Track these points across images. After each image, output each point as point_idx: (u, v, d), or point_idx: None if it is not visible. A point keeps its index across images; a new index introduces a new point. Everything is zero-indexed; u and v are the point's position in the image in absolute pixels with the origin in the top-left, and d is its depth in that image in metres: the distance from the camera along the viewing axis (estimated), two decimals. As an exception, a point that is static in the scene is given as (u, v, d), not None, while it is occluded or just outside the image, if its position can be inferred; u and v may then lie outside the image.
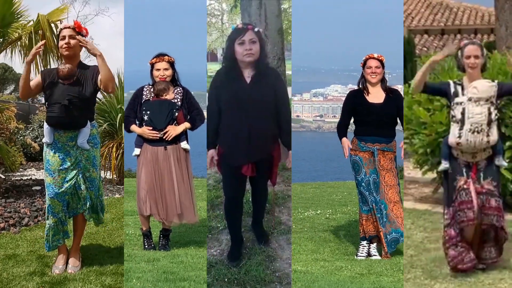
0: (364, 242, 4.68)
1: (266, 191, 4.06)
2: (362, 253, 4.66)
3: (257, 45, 3.56)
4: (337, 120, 4.80)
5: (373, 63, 4.63)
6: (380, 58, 4.64)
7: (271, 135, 3.74)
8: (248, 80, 3.62)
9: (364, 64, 4.69)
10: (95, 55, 4.01)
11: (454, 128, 3.91)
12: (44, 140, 4.20)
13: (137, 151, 4.78)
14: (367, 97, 4.63)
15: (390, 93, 4.64)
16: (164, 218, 4.73)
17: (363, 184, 4.59)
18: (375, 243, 4.68)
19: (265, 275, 3.66)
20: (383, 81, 4.66)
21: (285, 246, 4.00)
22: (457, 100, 3.91)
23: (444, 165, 4.02)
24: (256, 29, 3.58)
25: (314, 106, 75.17)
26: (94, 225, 4.54)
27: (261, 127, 3.62)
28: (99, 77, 4.08)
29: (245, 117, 3.58)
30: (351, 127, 4.81)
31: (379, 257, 4.59)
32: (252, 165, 3.70)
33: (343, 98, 4.93)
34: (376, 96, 4.62)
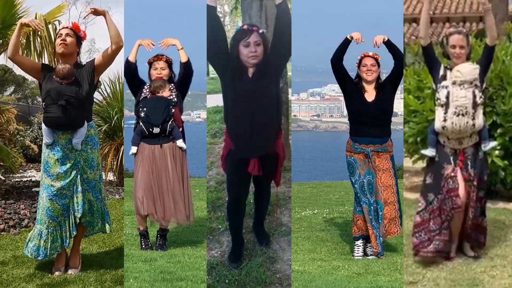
0: (359, 242, 4.70)
1: (269, 191, 4.08)
2: (358, 252, 4.68)
3: (261, 47, 3.61)
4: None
5: (368, 61, 4.62)
6: (375, 56, 4.64)
7: (274, 129, 3.78)
8: (251, 77, 3.66)
9: (359, 63, 4.69)
10: (103, 14, 4.13)
11: (439, 112, 3.96)
12: (44, 140, 4.20)
13: (133, 149, 4.82)
14: (364, 95, 4.63)
15: (381, 90, 4.62)
16: (162, 217, 4.76)
17: (356, 185, 4.62)
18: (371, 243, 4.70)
19: (266, 276, 3.69)
20: (377, 80, 4.65)
21: (286, 247, 4.02)
22: (443, 83, 3.97)
23: (431, 152, 4.06)
24: (261, 31, 3.63)
25: (311, 106, 74.88)
26: (89, 232, 4.41)
27: (264, 121, 3.65)
28: (102, 56, 4.20)
29: (250, 112, 3.61)
30: (347, 126, 4.81)
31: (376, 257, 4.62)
32: (258, 163, 3.71)
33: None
34: (369, 95, 4.63)
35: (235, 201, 3.89)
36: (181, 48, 4.91)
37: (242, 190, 3.85)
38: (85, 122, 4.18)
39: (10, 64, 8.03)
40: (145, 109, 4.78)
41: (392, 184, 4.59)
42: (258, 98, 3.62)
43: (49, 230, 4.16)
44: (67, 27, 4.24)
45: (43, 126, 4.16)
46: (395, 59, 4.57)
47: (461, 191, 3.93)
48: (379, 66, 4.67)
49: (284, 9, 3.56)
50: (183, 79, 4.95)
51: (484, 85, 3.99)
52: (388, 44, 4.54)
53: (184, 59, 4.90)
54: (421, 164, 6.24)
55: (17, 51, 4.16)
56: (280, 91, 3.85)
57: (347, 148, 4.69)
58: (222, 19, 5.72)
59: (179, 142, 4.81)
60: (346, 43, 4.56)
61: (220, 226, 4.31)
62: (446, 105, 3.92)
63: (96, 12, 4.15)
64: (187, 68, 4.92)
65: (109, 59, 4.22)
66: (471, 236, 4.10)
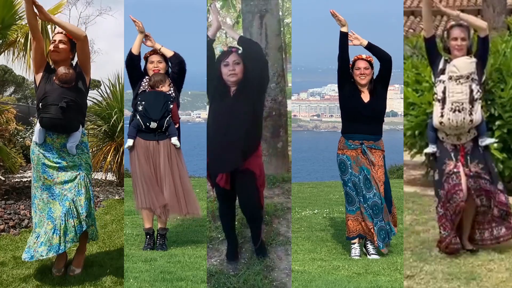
0: (354, 243, 4.68)
1: (251, 207, 3.96)
2: (355, 253, 4.66)
3: (240, 66, 3.81)
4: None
5: (361, 64, 4.61)
6: (368, 59, 4.62)
7: (246, 146, 3.80)
8: (232, 96, 3.82)
9: (352, 65, 4.66)
10: (49, 19, 4.00)
11: (437, 108, 3.98)
12: (34, 139, 4.13)
13: (130, 142, 4.82)
14: (360, 95, 4.62)
15: (375, 91, 4.61)
16: (162, 210, 4.78)
17: (349, 184, 4.60)
18: (371, 240, 4.66)
19: (263, 284, 3.74)
20: (371, 82, 4.63)
21: (283, 256, 4.05)
22: (441, 77, 3.97)
23: (432, 149, 4.08)
24: (239, 52, 3.82)
25: (311, 106, 75.04)
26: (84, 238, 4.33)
27: (236, 137, 3.74)
28: (77, 54, 4.15)
29: (224, 127, 3.74)
30: (339, 125, 4.82)
31: (377, 256, 4.59)
32: (227, 177, 3.84)
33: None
34: (365, 95, 4.63)
35: (222, 206, 4.07)
36: (160, 47, 4.93)
37: (224, 197, 4.01)
38: (80, 126, 4.17)
39: (10, 64, 8.02)
40: (143, 103, 4.79)
41: (384, 181, 4.59)
42: (234, 115, 3.75)
43: (47, 231, 4.04)
44: (61, 33, 4.14)
45: (37, 126, 4.11)
46: (380, 60, 4.58)
47: (463, 185, 3.94)
48: (372, 68, 4.66)
49: (243, 48, 3.77)
50: (178, 69, 4.95)
51: (483, 77, 3.98)
52: (370, 47, 4.57)
53: (169, 54, 4.93)
54: (420, 158, 6.24)
55: (34, 29, 4.01)
56: (262, 111, 3.98)
57: (339, 147, 4.67)
58: (224, 32, 5.86)
59: (174, 140, 4.82)
60: (342, 37, 4.54)
61: (219, 235, 4.32)
62: (443, 101, 3.93)
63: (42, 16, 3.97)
64: (177, 59, 4.93)
65: (83, 54, 4.14)
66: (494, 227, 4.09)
